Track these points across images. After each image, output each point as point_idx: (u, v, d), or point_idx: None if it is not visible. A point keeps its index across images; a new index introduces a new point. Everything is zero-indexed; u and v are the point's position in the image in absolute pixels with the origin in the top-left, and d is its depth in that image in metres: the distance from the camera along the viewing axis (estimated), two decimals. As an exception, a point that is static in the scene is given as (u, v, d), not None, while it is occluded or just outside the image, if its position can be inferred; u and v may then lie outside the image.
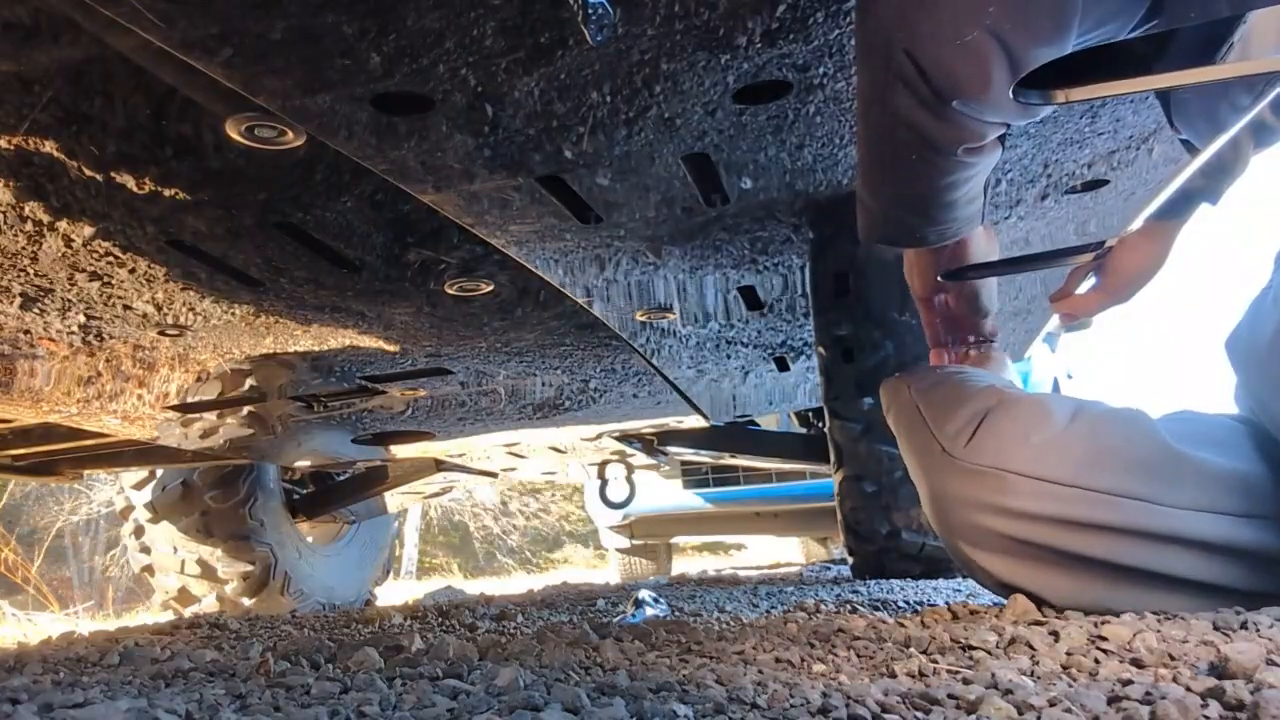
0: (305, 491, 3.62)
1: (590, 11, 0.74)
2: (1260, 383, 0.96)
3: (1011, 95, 0.80)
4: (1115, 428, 0.94)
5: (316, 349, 1.72)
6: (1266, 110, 1.04)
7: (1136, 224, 1.21)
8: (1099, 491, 0.89)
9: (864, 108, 0.88)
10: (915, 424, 1.05)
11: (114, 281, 1.34)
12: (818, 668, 0.73)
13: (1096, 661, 0.68)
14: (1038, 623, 0.86)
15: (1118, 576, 0.89)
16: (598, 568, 12.47)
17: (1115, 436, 0.92)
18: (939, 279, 1.13)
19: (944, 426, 1.00)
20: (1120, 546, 0.89)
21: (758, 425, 3.45)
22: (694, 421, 2.71)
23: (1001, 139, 0.91)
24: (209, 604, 3.17)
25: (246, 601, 3.16)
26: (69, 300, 1.39)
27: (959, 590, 1.47)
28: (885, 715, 0.56)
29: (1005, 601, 0.97)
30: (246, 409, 2.04)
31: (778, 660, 0.77)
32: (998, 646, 0.76)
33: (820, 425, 3.46)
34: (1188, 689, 0.57)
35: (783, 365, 2.17)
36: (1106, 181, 1.38)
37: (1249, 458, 0.93)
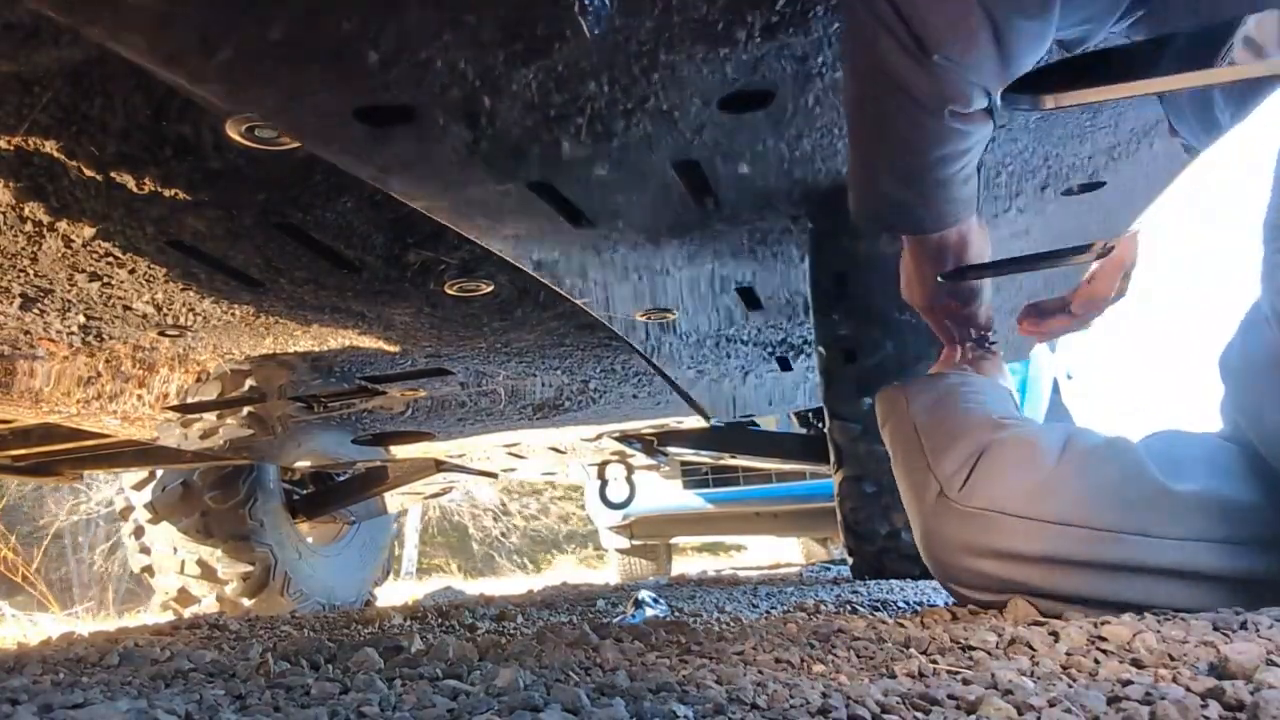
0: (305, 492, 3.62)
1: (587, 2, 0.74)
2: (1252, 400, 0.95)
3: (1001, 101, 0.80)
4: (1103, 462, 0.93)
5: (316, 349, 1.72)
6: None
7: (1137, 224, 1.20)
8: (1091, 528, 0.88)
9: (849, 61, 0.87)
10: (912, 451, 1.04)
11: (114, 282, 1.34)
12: (818, 668, 0.73)
13: (1096, 662, 0.68)
14: (1037, 623, 0.86)
15: (1112, 612, 0.89)
16: (597, 568, 12.46)
17: (1104, 472, 0.92)
18: (939, 280, 1.13)
19: (941, 463, 0.99)
20: (1114, 582, 0.88)
21: (758, 425, 3.45)
22: (694, 422, 2.71)
23: (991, 112, 0.90)
24: (209, 604, 3.17)
25: (246, 602, 3.15)
26: (69, 301, 1.39)
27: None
28: (885, 715, 0.55)
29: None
30: (246, 409, 2.04)
31: (778, 660, 0.77)
32: (997, 647, 0.76)
33: (820, 425, 3.45)
34: (1188, 689, 0.57)
35: (785, 365, 2.17)
36: (1103, 183, 1.38)
37: (1236, 479, 0.92)
